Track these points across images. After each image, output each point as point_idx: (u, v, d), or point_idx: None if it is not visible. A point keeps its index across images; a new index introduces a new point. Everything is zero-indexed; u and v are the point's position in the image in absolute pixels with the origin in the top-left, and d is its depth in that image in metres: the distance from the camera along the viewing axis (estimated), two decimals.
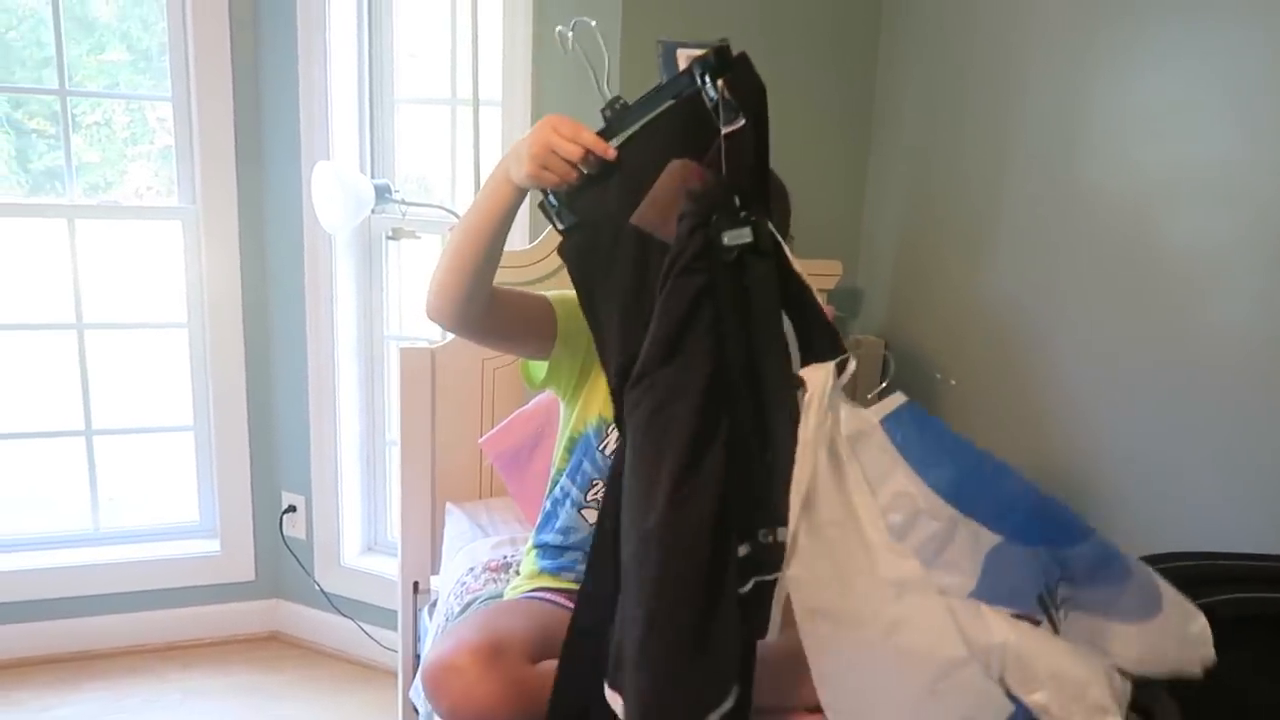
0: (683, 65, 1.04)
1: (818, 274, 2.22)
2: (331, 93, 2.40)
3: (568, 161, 1.08)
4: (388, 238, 2.49)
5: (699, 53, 1.01)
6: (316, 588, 2.72)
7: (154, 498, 3.01)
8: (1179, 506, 1.53)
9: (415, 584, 2.10)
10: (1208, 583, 1.22)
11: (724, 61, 1.01)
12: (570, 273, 1.10)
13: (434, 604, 1.91)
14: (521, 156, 1.12)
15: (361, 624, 2.67)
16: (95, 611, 2.65)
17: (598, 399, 1.51)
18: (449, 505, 2.05)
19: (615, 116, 1.05)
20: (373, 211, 2.46)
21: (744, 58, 1.03)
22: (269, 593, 2.80)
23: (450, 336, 2.09)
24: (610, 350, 1.07)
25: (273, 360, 2.65)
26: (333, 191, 2.17)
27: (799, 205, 2.31)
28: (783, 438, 0.98)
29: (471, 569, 1.74)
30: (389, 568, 2.63)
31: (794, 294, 1.05)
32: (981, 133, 1.99)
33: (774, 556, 0.99)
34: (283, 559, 2.76)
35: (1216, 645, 1.06)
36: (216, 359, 2.62)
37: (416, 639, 2.05)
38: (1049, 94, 1.80)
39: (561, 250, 1.10)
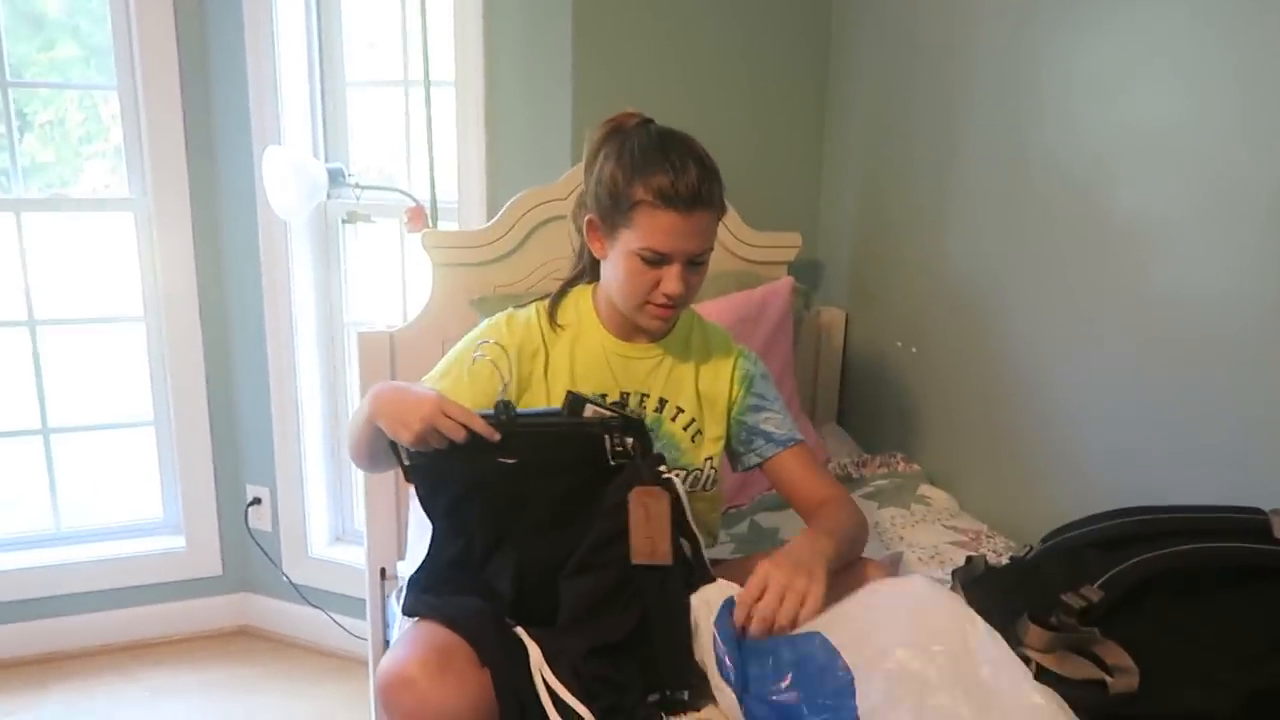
0: (588, 415, 1.19)
1: (778, 246, 2.22)
2: (281, 77, 2.36)
3: (448, 441, 1.16)
4: (343, 222, 2.46)
5: (606, 413, 1.19)
6: (285, 580, 2.70)
7: (116, 495, 2.97)
8: (1135, 464, 1.55)
9: (382, 571, 2.08)
10: (1142, 538, 1.23)
11: (629, 427, 1.20)
12: (414, 484, 1.27)
13: (401, 589, 1.90)
14: (405, 421, 1.16)
15: (332, 614, 2.65)
16: (60, 612, 2.61)
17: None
18: (414, 492, 2.03)
19: (506, 416, 1.18)
20: (328, 197, 2.44)
21: (642, 422, 1.22)
22: (237, 586, 2.77)
23: (411, 319, 2.08)
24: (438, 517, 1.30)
25: (232, 351, 2.61)
26: (285, 177, 2.14)
27: (756, 179, 2.32)
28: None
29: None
30: (358, 557, 2.60)
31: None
32: (934, 103, 1.99)
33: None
34: (249, 552, 2.73)
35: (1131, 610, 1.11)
36: (175, 352, 2.58)
37: (386, 626, 2.04)
38: (998, 61, 1.81)
39: (405, 473, 1.24)
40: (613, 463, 1.19)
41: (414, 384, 1.28)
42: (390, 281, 2.53)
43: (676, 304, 1.33)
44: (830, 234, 2.42)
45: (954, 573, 1.35)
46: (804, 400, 2.27)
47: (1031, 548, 1.39)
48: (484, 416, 1.18)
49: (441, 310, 2.02)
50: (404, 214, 2.23)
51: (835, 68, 2.35)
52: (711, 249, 1.33)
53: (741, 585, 1.21)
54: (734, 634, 1.15)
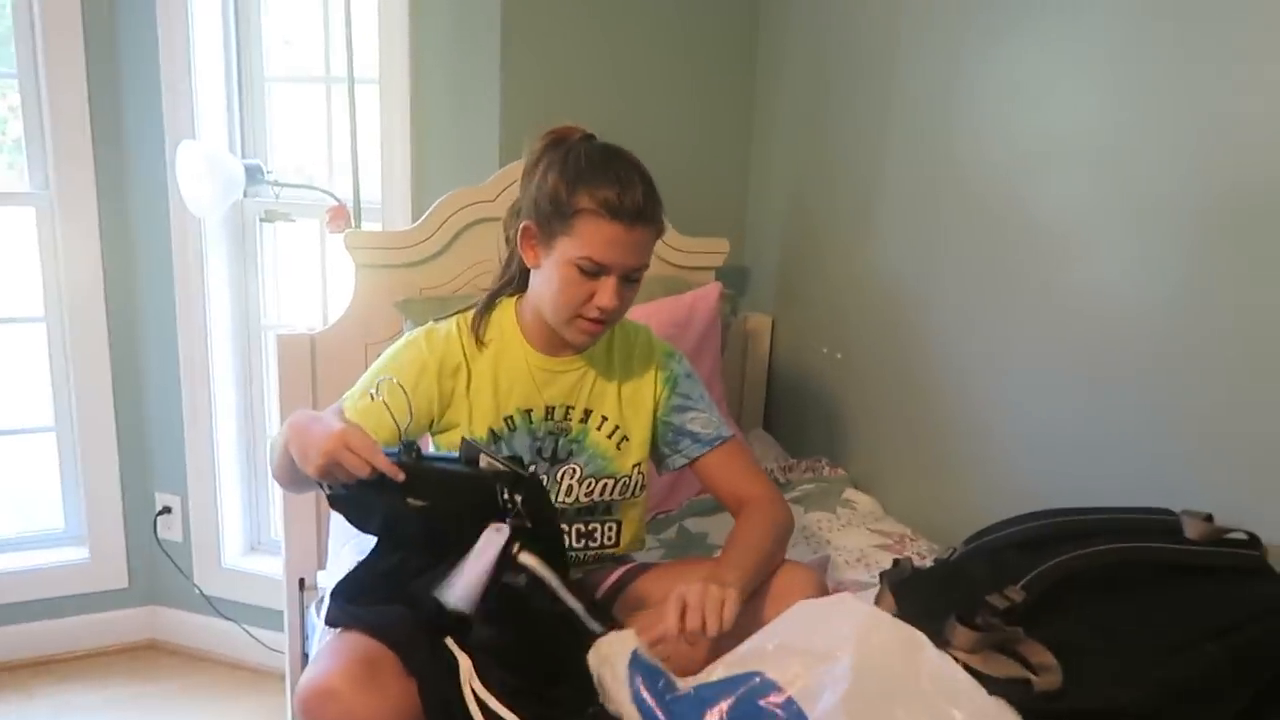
0: (482, 465, 1.17)
1: (705, 251, 2.23)
2: (196, 70, 2.28)
3: (352, 476, 1.11)
4: (260, 220, 2.38)
5: (499, 465, 1.16)
6: (196, 591, 2.60)
7: (15, 504, 2.82)
8: (1053, 467, 1.59)
9: (301, 581, 2.02)
10: (1060, 539, 1.26)
11: (519, 484, 1.17)
12: (340, 510, 1.23)
13: (322, 600, 1.85)
14: (308, 455, 1.12)
15: (246, 627, 2.56)
16: None
17: (456, 433, 1.43)
18: None
19: (410, 456, 1.14)
20: (245, 194, 2.36)
21: (535, 480, 1.20)
22: (144, 599, 2.66)
23: (331, 322, 2.02)
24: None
25: (141, 353, 2.51)
26: (200, 172, 2.06)
27: (685, 185, 2.32)
28: None
29: (359, 561, 1.68)
30: (274, 567, 2.52)
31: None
32: (860, 111, 2.03)
33: None
34: (158, 563, 2.62)
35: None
36: (79, 354, 2.46)
37: (304, 638, 1.98)
38: (923, 70, 1.84)
39: (330, 500, 1.21)
40: (506, 521, 1.16)
41: (325, 414, 1.23)
42: (309, 283, 2.46)
43: (608, 319, 1.31)
44: (757, 240, 2.44)
45: (882, 575, 1.36)
46: (731, 405, 2.28)
47: (955, 549, 1.41)
48: (390, 454, 1.14)
49: (364, 312, 1.98)
50: (325, 213, 2.17)
51: (762, 75, 2.37)
52: (647, 266, 1.32)
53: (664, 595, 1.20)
54: (659, 677, 1.07)
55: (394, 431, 1.31)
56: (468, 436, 1.30)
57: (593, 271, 1.27)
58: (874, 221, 2.00)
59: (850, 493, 1.98)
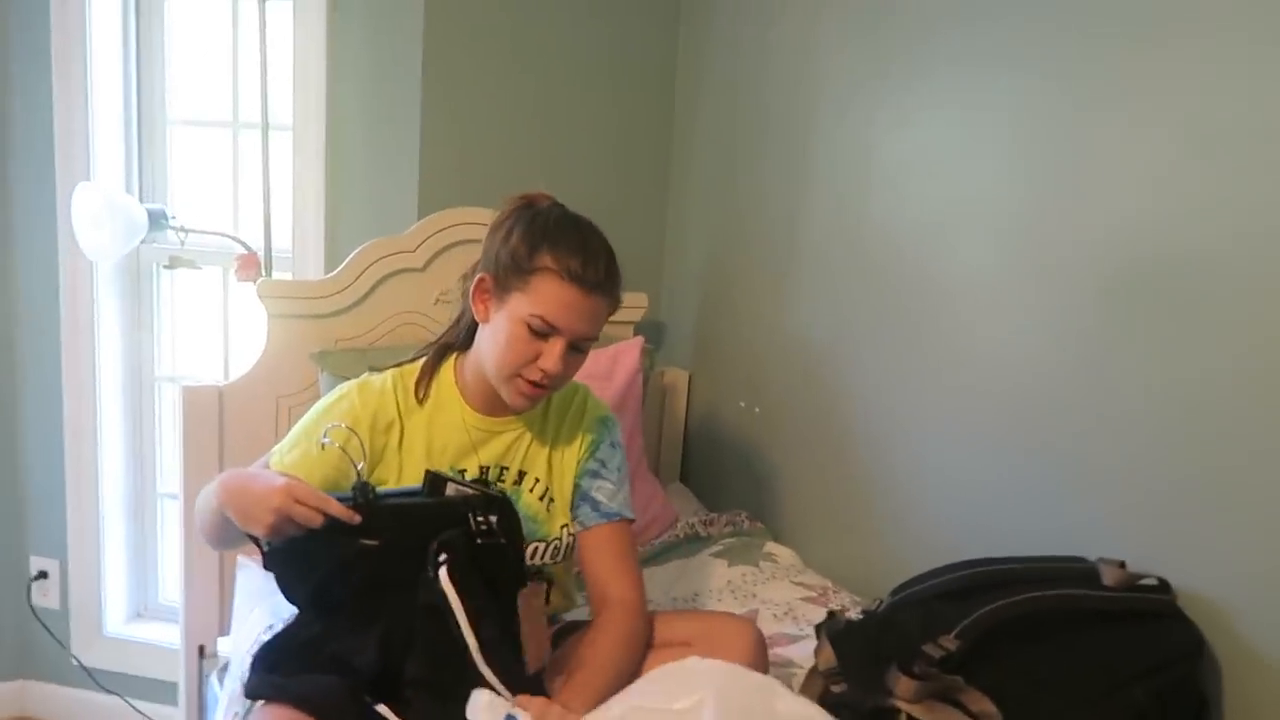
0: (449, 493, 1.17)
1: (625, 306, 2.23)
2: (94, 110, 2.18)
3: (304, 529, 1.09)
4: (163, 267, 2.28)
5: (468, 490, 1.17)
6: (74, 663, 2.41)
7: None
8: (972, 514, 1.64)
9: (201, 648, 1.90)
10: (985, 588, 1.30)
11: (491, 505, 1.18)
12: (274, 572, 1.19)
13: (225, 668, 1.74)
14: (253, 514, 1.09)
15: (131, 700, 2.39)
16: None
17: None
18: (241, 559, 1.87)
19: (365, 496, 1.13)
20: (143, 240, 2.25)
21: (506, 499, 1.21)
22: (13, 672, 2.45)
23: (241, 374, 1.94)
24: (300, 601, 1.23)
25: (20, 404, 2.34)
26: (99, 216, 1.96)
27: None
28: None
29: (271, 626, 1.60)
30: (162, 634, 2.37)
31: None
32: (778, 170, 2.09)
33: None
34: (31, 633, 2.42)
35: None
36: None
37: (203, 710, 1.85)
38: (841, 135, 1.92)
39: (265, 560, 1.17)
40: (479, 541, 1.14)
41: (261, 470, 1.19)
42: (210, 334, 2.35)
43: (549, 384, 1.29)
44: (674, 296, 2.47)
45: (818, 627, 1.38)
46: (650, 460, 2.28)
47: (882, 601, 1.44)
48: (340, 499, 1.11)
49: (277, 364, 1.90)
50: (234, 261, 2.09)
51: (679, 132, 2.42)
52: (596, 339, 1.31)
53: None
54: None
55: (330, 482, 1.25)
56: (430, 468, 1.25)
57: (542, 332, 1.25)
58: (790, 280, 2.05)
59: (771, 546, 1.99)
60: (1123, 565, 1.32)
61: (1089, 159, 1.43)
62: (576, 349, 1.29)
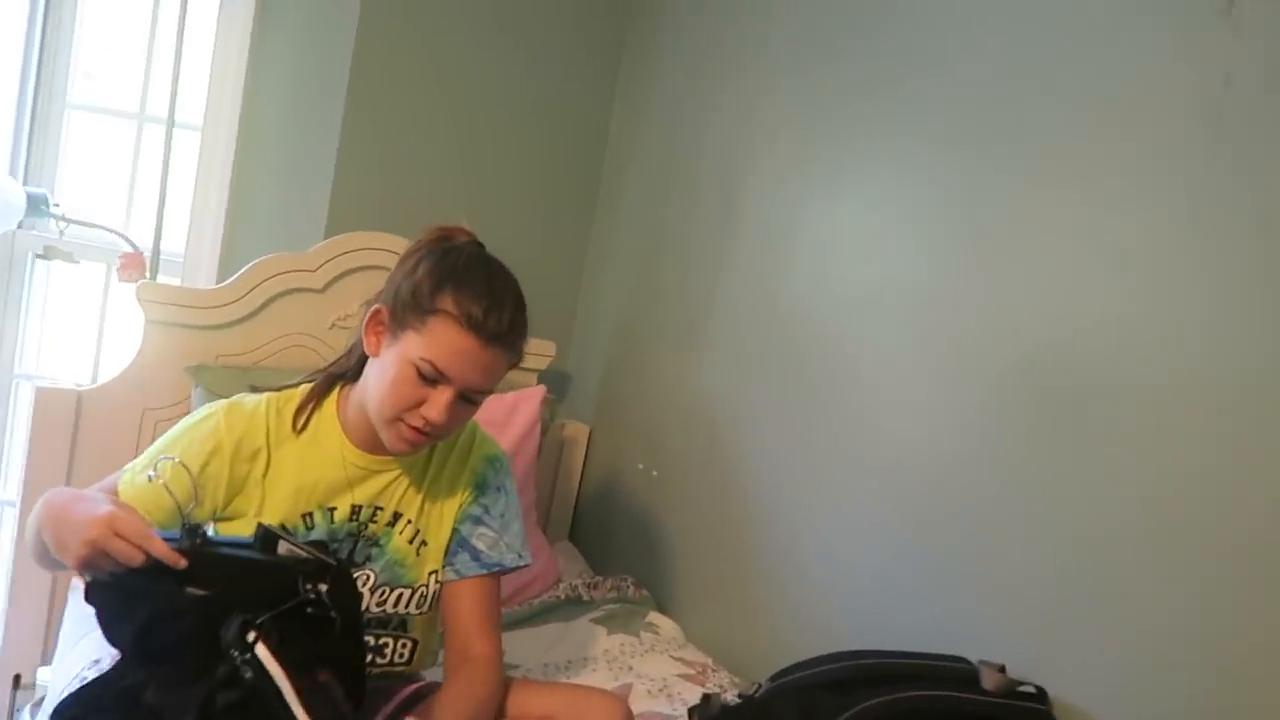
0: (281, 551, 1.07)
1: (531, 353, 2.16)
2: None
3: (123, 565, 0.98)
4: (36, 256, 2.12)
5: (300, 552, 1.05)
6: None
7: None
8: (861, 602, 1.61)
9: (17, 677, 1.72)
10: (868, 682, 1.27)
11: (324, 572, 1.06)
12: (95, 606, 1.08)
13: (40, 701, 1.57)
14: (67, 543, 0.98)
15: None
16: None
17: (243, 523, 1.27)
18: (75, 581, 1.71)
19: (193, 541, 1.02)
20: (20, 225, 2.10)
21: (342, 568, 1.09)
22: None
23: (107, 379, 1.79)
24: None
25: None
26: None
27: (519, 281, 2.27)
28: None
29: (98, 661, 1.45)
30: None
31: None
32: (700, 234, 2.07)
33: None
34: None
35: None
36: None
37: None
38: (767, 209, 1.91)
39: (87, 591, 1.07)
40: (310, 610, 1.04)
41: (89, 493, 1.07)
42: (83, 334, 2.19)
43: (431, 433, 1.20)
44: (583, 347, 2.41)
45: (691, 711, 1.31)
46: (539, 514, 2.19)
47: (760, 685, 1.39)
48: (168, 538, 1.00)
49: (148, 373, 1.77)
50: (117, 259, 1.95)
51: (607, 183, 2.39)
52: (490, 392, 1.23)
53: None
54: None
55: (174, 514, 1.14)
56: (263, 522, 1.15)
57: (431, 378, 1.16)
58: (700, 345, 2.02)
59: (654, 616, 1.92)
60: (1003, 669, 1.29)
61: (1002, 253, 1.44)
62: (467, 400, 1.20)
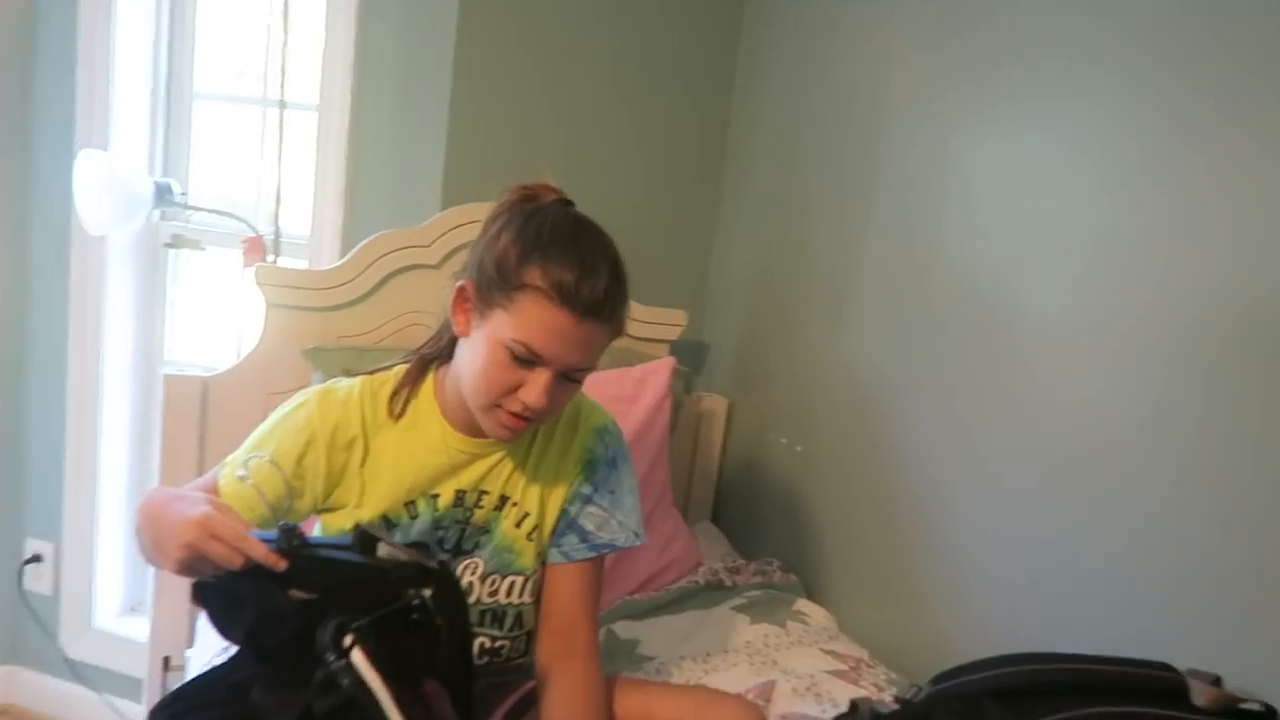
0: (381, 553, 0.99)
1: (661, 323, 2.04)
2: (117, 76, 2.07)
3: (221, 568, 0.92)
4: (164, 245, 2.15)
5: (400, 554, 0.98)
6: (59, 653, 2.29)
7: None
8: (1034, 600, 1.40)
9: (166, 659, 1.75)
10: (1047, 692, 1.09)
11: (426, 577, 0.99)
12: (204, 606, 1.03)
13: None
14: (165, 547, 0.93)
15: (110, 698, 2.26)
16: None
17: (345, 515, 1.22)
18: None
19: (290, 544, 0.96)
20: (161, 216, 2.14)
21: (445, 572, 1.01)
22: (3, 657, 2.35)
23: (232, 364, 1.79)
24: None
25: (25, 382, 2.24)
26: (99, 185, 1.84)
27: (642, 247, 2.13)
28: None
29: (227, 648, 1.43)
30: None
31: None
32: (842, 185, 1.87)
33: None
34: (21, 618, 2.32)
35: None
36: None
37: None
38: (911, 150, 1.69)
39: (195, 591, 1.01)
40: (414, 616, 0.96)
41: (187, 492, 1.02)
42: (224, 321, 2.22)
43: (532, 417, 1.10)
44: (718, 315, 2.26)
45: None
46: (677, 494, 2.07)
47: (919, 688, 1.22)
48: (266, 540, 0.94)
49: (270, 358, 1.75)
50: (241, 244, 1.95)
51: (736, 136, 2.21)
52: (593, 369, 1.12)
53: None
54: None
55: (271, 513, 1.09)
56: (361, 523, 1.10)
57: (526, 360, 1.06)
58: (848, 307, 1.83)
59: (803, 604, 1.76)
60: (1218, 682, 1.07)
61: (1206, 193, 1.18)
62: (568, 378, 1.09)
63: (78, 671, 2.29)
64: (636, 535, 1.25)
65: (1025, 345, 1.43)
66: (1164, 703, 1.06)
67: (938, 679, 1.20)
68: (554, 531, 1.24)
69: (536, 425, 1.16)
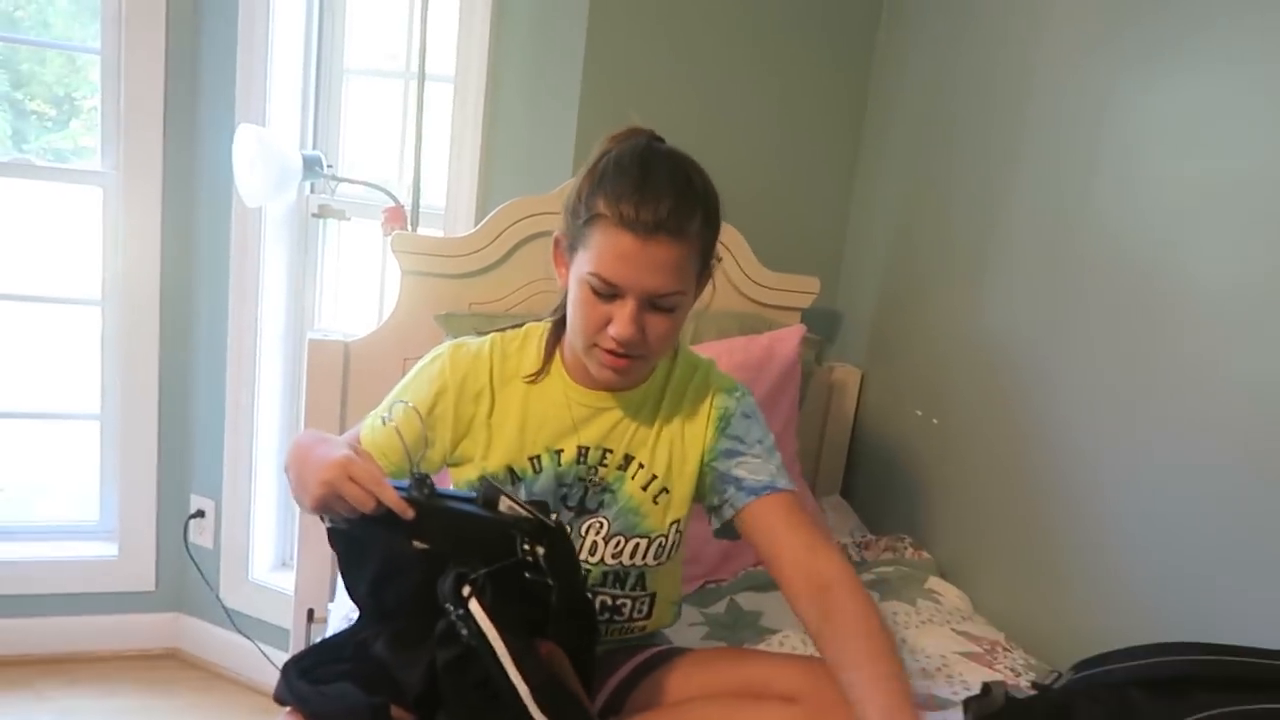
0: (502, 509, 1.01)
1: (792, 290, 1.99)
2: (274, 55, 2.17)
3: (354, 510, 0.96)
4: (312, 215, 2.25)
5: (520, 509, 1.00)
6: (220, 604, 2.45)
7: (51, 491, 2.74)
8: (1190, 585, 1.30)
9: (310, 612, 1.84)
10: (1206, 685, 1.01)
11: (542, 534, 1.00)
12: (336, 550, 1.08)
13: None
14: (306, 484, 0.99)
15: (263, 646, 2.40)
16: None
17: (472, 468, 1.23)
18: None
19: (421, 492, 1.00)
20: (311, 190, 2.24)
21: (561, 532, 1.02)
22: (169, 605, 2.53)
23: (371, 330, 1.85)
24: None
25: (191, 347, 2.39)
26: (253, 158, 1.93)
27: (776, 213, 2.10)
28: None
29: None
30: None
31: None
32: (979, 151, 1.77)
33: None
34: (186, 569, 2.49)
35: None
36: (129, 341, 2.36)
37: None
38: (1062, 102, 1.58)
39: (329, 535, 1.07)
40: (527, 575, 0.97)
41: (333, 438, 1.07)
42: (369, 289, 2.31)
43: (629, 351, 1.09)
44: (853, 283, 2.19)
45: (966, 704, 1.09)
46: (806, 466, 2.02)
47: (1060, 674, 1.15)
48: (399, 488, 0.98)
49: (406, 323, 1.80)
50: (382, 219, 2.01)
51: (874, 103, 2.13)
52: (683, 294, 1.09)
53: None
54: None
55: (406, 460, 1.12)
56: (486, 474, 1.13)
57: (606, 293, 1.07)
58: (991, 272, 1.73)
59: (934, 582, 1.69)
60: None
61: None
62: (656, 307, 1.08)
63: (235, 620, 2.45)
64: (790, 482, 1.20)
65: (1189, 310, 1.32)
66: None
67: (1080, 665, 1.13)
68: (710, 493, 1.21)
69: (643, 364, 1.14)
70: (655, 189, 1.04)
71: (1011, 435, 1.65)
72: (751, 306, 1.95)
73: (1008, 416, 1.66)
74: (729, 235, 1.91)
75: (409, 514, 0.97)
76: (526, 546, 0.99)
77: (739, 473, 1.18)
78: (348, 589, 1.11)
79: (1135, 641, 1.11)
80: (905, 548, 1.81)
